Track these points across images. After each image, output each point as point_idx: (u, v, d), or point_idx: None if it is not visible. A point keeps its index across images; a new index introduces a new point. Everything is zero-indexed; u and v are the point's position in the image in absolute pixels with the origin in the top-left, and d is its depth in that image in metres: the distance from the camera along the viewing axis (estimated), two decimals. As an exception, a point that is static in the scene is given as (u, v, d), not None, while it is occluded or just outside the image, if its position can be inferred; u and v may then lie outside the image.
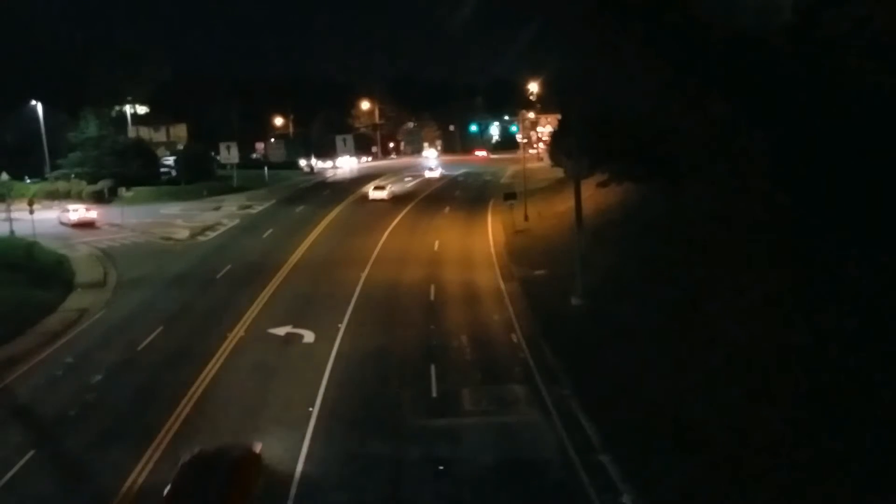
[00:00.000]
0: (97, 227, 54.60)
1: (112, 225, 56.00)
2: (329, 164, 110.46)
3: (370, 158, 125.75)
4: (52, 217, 56.29)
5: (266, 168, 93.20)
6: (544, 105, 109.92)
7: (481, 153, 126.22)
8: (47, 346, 28.00)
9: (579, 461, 17.57)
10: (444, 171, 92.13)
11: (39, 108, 73.19)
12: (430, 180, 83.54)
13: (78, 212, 55.96)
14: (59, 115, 76.31)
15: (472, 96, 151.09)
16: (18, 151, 73.34)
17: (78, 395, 22.96)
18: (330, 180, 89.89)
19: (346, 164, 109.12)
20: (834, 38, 20.24)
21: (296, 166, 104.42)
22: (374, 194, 66.48)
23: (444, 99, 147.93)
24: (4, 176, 52.52)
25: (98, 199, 69.92)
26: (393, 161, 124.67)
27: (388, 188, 68.51)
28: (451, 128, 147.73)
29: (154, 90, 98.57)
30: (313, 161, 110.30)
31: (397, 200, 64.69)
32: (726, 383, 19.31)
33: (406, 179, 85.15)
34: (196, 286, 36.28)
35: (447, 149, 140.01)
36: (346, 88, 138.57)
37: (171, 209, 65.00)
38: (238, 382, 23.41)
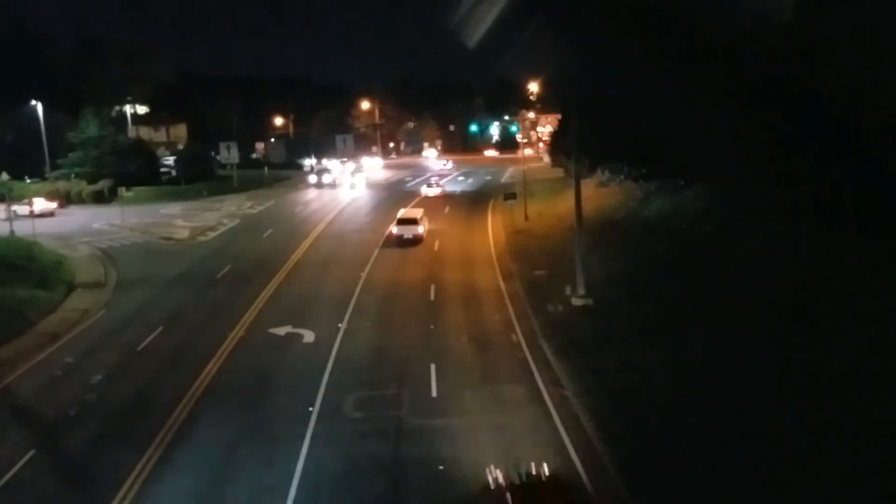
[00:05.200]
0: (55, 216, 60.41)
1: (112, 224, 56.14)
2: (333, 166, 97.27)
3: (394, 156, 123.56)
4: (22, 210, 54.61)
5: (266, 168, 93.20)
6: (544, 105, 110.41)
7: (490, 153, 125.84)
8: (47, 346, 28.01)
9: (580, 461, 17.56)
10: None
11: (39, 108, 73.12)
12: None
13: (39, 204, 60.16)
14: (59, 115, 76.22)
15: (472, 96, 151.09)
16: (18, 151, 73.26)
17: (78, 395, 22.95)
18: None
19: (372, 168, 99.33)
20: (834, 37, 20.25)
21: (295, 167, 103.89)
22: None
23: (444, 99, 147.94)
24: (4, 176, 52.51)
25: (98, 199, 69.98)
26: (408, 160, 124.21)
27: None
28: (452, 128, 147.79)
29: (154, 90, 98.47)
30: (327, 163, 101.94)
31: (397, 201, 64.70)
32: (727, 383, 19.30)
33: None
34: (196, 286, 36.29)
35: (447, 149, 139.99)
36: (346, 88, 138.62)
37: (172, 209, 65.05)
38: (238, 382, 23.41)
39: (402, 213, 47.92)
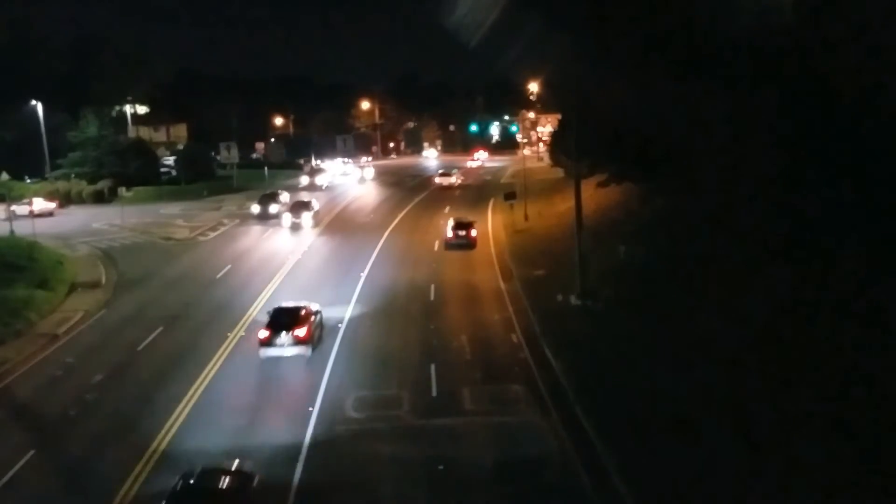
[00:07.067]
0: (54, 216, 60.45)
1: (112, 224, 56.15)
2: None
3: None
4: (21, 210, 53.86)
5: (266, 168, 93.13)
6: (544, 105, 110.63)
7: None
8: (48, 346, 28.02)
9: (579, 461, 17.57)
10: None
11: (39, 108, 73.10)
12: None
13: (38, 203, 59.73)
14: (59, 115, 76.18)
15: (472, 96, 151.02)
16: (18, 151, 73.20)
17: (78, 395, 22.96)
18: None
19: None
20: (834, 37, 20.25)
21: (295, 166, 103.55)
22: None
23: (444, 99, 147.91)
24: (4, 176, 52.48)
25: (98, 198, 69.94)
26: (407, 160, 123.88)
27: None
28: (452, 128, 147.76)
29: (154, 90, 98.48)
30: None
31: (397, 201, 64.76)
32: (726, 382, 19.32)
33: None
34: (196, 286, 36.28)
35: (446, 149, 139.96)
36: (346, 88, 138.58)
37: (172, 209, 65.01)
38: (238, 382, 23.42)
39: (441, 170, 74.98)
